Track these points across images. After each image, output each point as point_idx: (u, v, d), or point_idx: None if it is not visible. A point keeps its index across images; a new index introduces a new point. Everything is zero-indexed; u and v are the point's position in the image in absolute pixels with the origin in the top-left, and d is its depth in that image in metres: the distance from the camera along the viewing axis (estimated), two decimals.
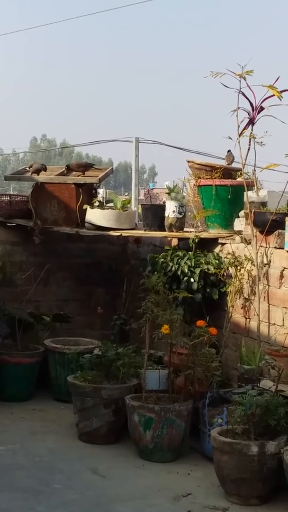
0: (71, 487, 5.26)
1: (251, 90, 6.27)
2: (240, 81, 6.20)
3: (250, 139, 6.34)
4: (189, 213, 7.59)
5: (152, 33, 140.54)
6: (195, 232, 7.12)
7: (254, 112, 6.35)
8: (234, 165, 7.24)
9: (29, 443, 6.17)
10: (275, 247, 6.08)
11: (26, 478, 5.40)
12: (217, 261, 6.73)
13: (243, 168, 6.57)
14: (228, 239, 6.86)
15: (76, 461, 5.79)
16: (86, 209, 7.54)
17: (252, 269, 6.30)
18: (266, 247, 6.20)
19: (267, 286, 6.17)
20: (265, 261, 6.20)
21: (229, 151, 7.28)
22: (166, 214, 7.17)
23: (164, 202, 7.54)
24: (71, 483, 5.34)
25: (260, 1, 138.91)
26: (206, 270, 6.66)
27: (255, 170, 6.51)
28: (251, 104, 6.34)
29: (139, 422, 5.77)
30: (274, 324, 6.05)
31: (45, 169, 8.12)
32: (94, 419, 6.17)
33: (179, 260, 6.77)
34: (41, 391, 7.49)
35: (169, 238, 7.47)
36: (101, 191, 8.36)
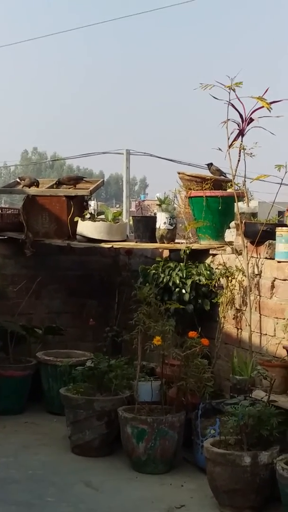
0: (64, 500, 5.25)
1: (241, 102, 6.31)
2: (229, 92, 6.24)
3: (240, 150, 6.37)
4: (180, 225, 7.61)
5: (144, 44, 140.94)
6: (186, 243, 7.14)
7: (243, 124, 6.38)
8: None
9: (22, 456, 6.16)
10: (266, 258, 6.10)
11: (19, 491, 5.39)
12: (208, 272, 6.75)
13: (234, 179, 6.60)
14: (219, 250, 6.88)
15: (69, 474, 5.78)
16: (77, 221, 7.55)
17: (243, 280, 6.32)
18: (257, 258, 6.22)
19: (258, 297, 6.18)
20: (256, 272, 6.22)
21: (210, 164, 7.34)
22: (157, 226, 7.19)
23: (155, 214, 7.56)
24: (64, 496, 5.33)
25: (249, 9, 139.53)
26: (197, 281, 6.68)
27: (245, 181, 6.53)
28: (241, 116, 6.38)
29: (132, 434, 5.76)
30: (266, 334, 6.06)
31: (37, 185, 8.13)
32: (87, 431, 6.16)
33: (171, 271, 6.79)
34: (34, 404, 7.48)
35: (160, 250, 7.48)
36: (92, 203, 8.37)
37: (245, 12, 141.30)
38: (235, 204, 6.49)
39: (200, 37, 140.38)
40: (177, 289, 6.66)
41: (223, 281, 6.56)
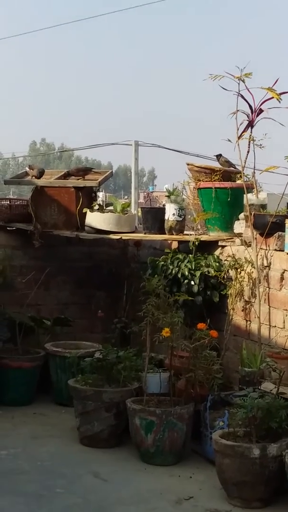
0: (73, 491, 5.26)
1: (250, 93, 6.28)
2: (239, 83, 6.21)
3: (249, 142, 6.34)
4: (189, 216, 7.59)
5: (150, 36, 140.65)
6: (195, 234, 7.12)
7: (253, 115, 6.35)
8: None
9: (31, 447, 6.17)
10: (275, 249, 6.08)
11: (28, 482, 5.40)
12: (217, 264, 6.73)
13: (243, 170, 6.58)
14: (228, 241, 6.86)
15: (78, 465, 5.78)
16: (86, 212, 7.54)
17: (253, 272, 6.30)
18: (266, 250, 6.20)
19: (267, 289, 6.16)
20: (265, 264, 6.20)
21: (219, 155, 7.31)
22: (166, 217, 7.17)
23: (163, 205, 7.54)
24: (73, 487, 5.33)
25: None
26: (206, 273, 6.66)
27: (254, 172, 6.52)
28: (250, 107, 6.35)
29: (141, 426, 5.76)
30: (275, 326, 6.05)
31: (43, 172, 8.12)
32: (95, 422, 6.16)
33: (180, 263, 6.77)
34: (42, 395, 7.49)
35: (169, 241, 7.47)
36: (100, 195, 8.36)
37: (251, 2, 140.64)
38: (244, 195, 6.47)
39: (211, 29, 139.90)
40: (186, 281, 6.65)
41: (232, 273, 6.55)
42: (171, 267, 6.76)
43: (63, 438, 6.41)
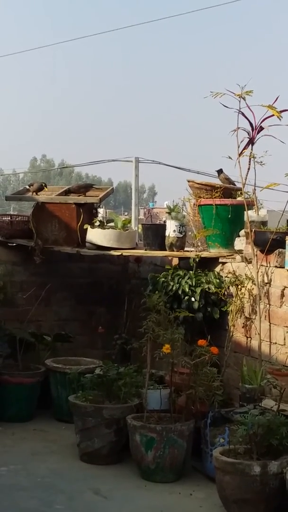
0: (73, 508, 5.24)
1: (251, 110, 6.32)
2: (239, 101, 6.26)
3: (250, 159, 6.37)
4: (190, 233, 7.61)
5: (151, 52, 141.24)
6: (196, 251, 7.14)
7: (253, 132, 6.39)
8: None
9: (31, 463, 6.15)
10: (276, 266, 6.10)
11: (28, 498, 5.39)
12: (218, 280, 6.74)
13: (243, 187, 6.60)
14: (228, 258, 6.87)
15: (78, 481, 5.77)
16: (86, 228, 7.56)
17: (253, 288, 6.31)
18: (267, 266, 6.21)
19: (268, 305, 6.17)
20: (265, 280, 6.21)
21: (220, 170, 7.34)
22: (166, 234, 7.20)
23: (164, 222, 7.56)
24: (73, 503, 5.32)
25: (256, 17, 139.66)
26: (207, 289, 6.67)
27: (255, 189, 6.55)
28: (251, 124, 6.39)
29: (141, 442, 5.75)
30: (276, 343, 6.05)
31: (45, 185, 8.17)
32: (95, 439, 6.15)
33: (180, 279, 6.78)
34: (42, 411, 7.48)
35: (170, 258, 7.48)
36: (101, 211, 8.39)
37: (252, 21, 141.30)
38: (245, 212, 6.49)
39: (210, 46, 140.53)
40: (186, 297, 6.66)
41: (232, 289, 6.55)
42: (171, 283, 6.77)
43: (63, 454, 6.40)
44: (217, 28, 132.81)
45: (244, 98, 6.25)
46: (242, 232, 6.77)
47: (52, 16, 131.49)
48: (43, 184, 8.21)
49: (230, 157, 6.37)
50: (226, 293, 6.63)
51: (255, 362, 6.15)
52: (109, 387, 6.33)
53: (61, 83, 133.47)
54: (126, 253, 7.50)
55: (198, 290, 6.66)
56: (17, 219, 8.35)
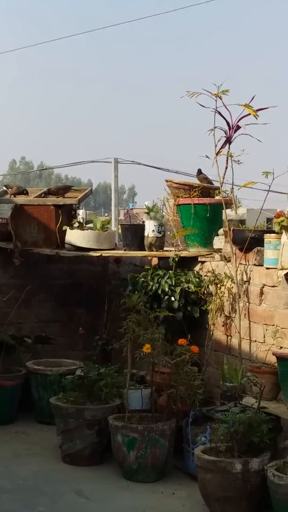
0: (55, 510, 5.23)
1: (227, 109, 6.35)
2: (216, 100, 6.27)
3: (227, 158, 6.40)
4: (169, 232, 7.62)
5: (130, 51, 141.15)
6: (175, 251, 7.15)
7: (230, 131, 6.42)
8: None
9: (13, 466, 6.13)
10: (255, 264, 6.12)
11: (11, 501, 5.37)
12: (197, 280, 6.76)
13: (221, 186, 6.62)
14: (207, 257, 6.89)
15: (60, 483, 5.76)
16: (65, 230, 7.55)
17: (232, 287, 6.33)
18: (246, 265, 6.23)
19: (247, 304, 6.19)
20: (245, 279, 6.23)
21: (199, 171, 7.36)
22: (145, 234, 7.20)
23: (143, 222, 7.57)
24: (56, 505, 5.31)
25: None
26: (186, 289, 6.68)
27: (233, 188, 6.56)
28: (228, 123, 6.41)
29: (123, 442, 5.76)
30: (255, 341, 6.07)
31: (26, 193, 8.13)
32: (77, 440, 6.15)
33: (160, 279, 6.79)
34: (24, 413, 7.45)
35: (149, 258, 7.49)
36: (80, 212, 8.38)
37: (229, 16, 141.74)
38: (223, 211, 6.51)
39: (186, 45, 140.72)
40: (166, 297, 6.67)
41: (212, 288, 6.57)
42: (151, 283, 6.77)
43: (45, 456, 6.39)
44: (192, 26, 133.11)
45: (220, 97, 6.26)
46: (220, 231, 6.79)
47: (25, 18, 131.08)
48: (25, 191, 8.14)
49: (207, 156, 6.40)
50: (205, 292, 6.65)
51: (236, 360, 6.17)
52: (90, 388, 6.32)
53: (40, 85, 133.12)
54: (105, 253, 7.50)
55: (178, 289, 6.67)
56: None
